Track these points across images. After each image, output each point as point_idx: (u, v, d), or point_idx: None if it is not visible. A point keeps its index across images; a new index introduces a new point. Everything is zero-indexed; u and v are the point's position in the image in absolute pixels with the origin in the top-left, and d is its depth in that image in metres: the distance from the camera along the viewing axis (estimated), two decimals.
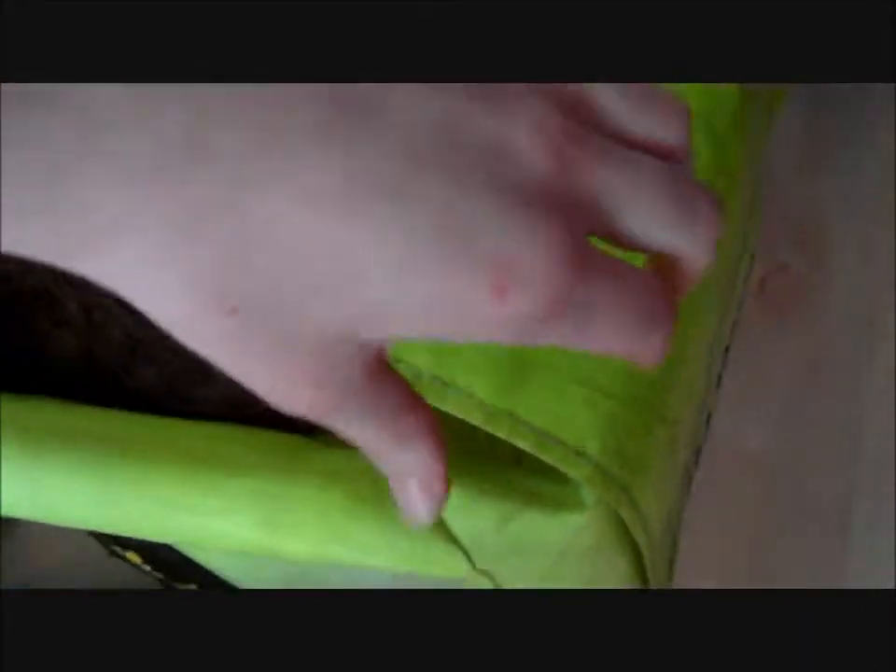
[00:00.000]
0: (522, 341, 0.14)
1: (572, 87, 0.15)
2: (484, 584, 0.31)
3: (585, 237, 0.14)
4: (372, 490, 0.28)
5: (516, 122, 0.14)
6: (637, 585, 0.34)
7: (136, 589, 0.35)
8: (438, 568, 0.30)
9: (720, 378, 0.54)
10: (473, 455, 0.32)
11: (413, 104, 0.13)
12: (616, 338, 0.15)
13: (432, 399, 0.28)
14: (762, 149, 0.54)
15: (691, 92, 0.43)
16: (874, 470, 0.62)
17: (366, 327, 0.14)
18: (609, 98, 0.15)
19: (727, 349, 0.56)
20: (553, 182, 0.14)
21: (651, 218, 0.15)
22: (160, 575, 0.36)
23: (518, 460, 0.33)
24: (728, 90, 0.44)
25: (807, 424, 0.63)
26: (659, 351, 0.15)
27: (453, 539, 0.29)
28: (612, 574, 0.35)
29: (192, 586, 0.35)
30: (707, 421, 0.53)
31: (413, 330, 0.14)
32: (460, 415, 0.29)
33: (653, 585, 0.35)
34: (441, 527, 0.30)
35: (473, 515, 0.30)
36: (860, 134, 0.81)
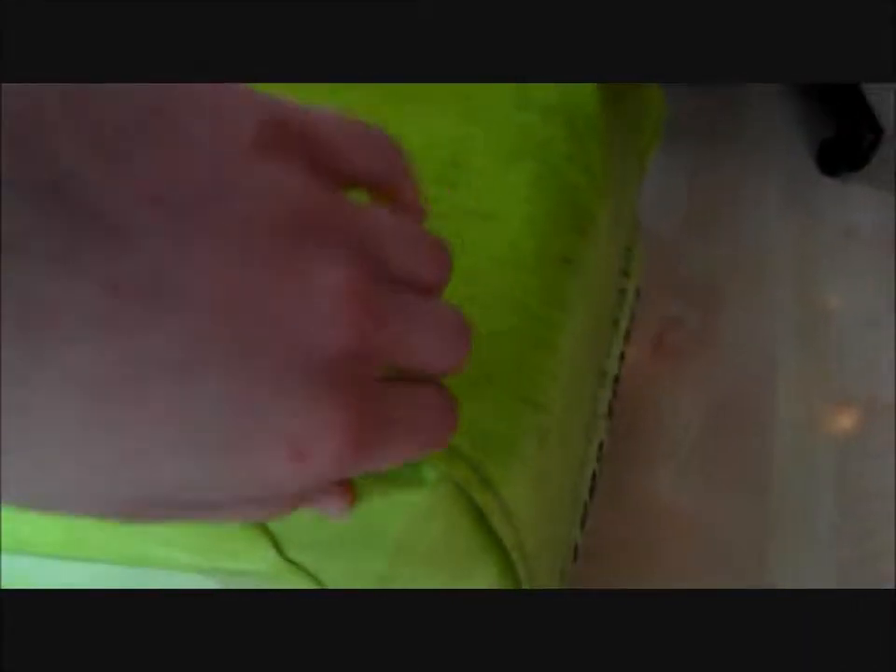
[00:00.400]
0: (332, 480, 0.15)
1: (370, 234, 0.15)
2: (302, 584, 0.25)
3: (373, 379, 0.15)
4: None
5: (317, 291, 0.14)
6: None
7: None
8: (232, 559, 0.23)
9: (611, 408, 0.51)
10: None
11: (205, 279, 0.13)
12: (405, 456, 0.16)
13: None
14: (636, 174, 0.53)
15: (553, 87, 0.42)
16: (783, 508, 0.59)
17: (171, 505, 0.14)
18: (393, 243, 0.16)
19: (616, 379, 0.53)
20: (348, 351, 0.14)
21: (423, 358, 0.16)
22: None
23: None
24: (586, 89, 0.43)
25: (715, 469, 0.62)
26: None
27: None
28: (480, 582, 0.29)
29: None
30: (600, 450, 0.48)
31: (213, 513, 0.15)
32: None
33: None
34: None
35: None
36: (742, 190, 0.84)
